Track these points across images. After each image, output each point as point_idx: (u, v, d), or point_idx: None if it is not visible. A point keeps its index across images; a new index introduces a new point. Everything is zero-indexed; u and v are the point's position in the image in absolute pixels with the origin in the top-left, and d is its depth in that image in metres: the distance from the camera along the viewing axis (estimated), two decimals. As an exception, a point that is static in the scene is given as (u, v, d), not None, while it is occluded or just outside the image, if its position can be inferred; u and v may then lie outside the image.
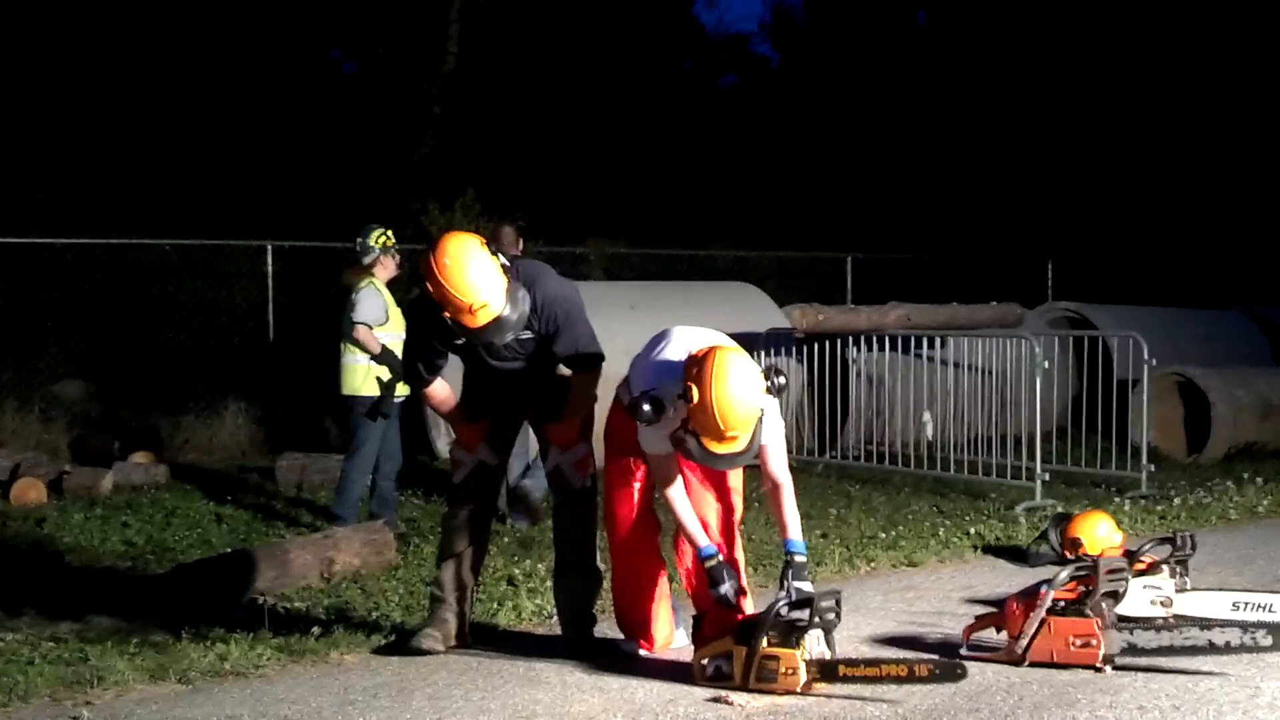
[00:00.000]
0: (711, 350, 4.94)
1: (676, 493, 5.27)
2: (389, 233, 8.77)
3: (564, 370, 5.69)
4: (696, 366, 4.89)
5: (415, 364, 5.68)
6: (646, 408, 4.95)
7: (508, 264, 5.34)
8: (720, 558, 5.25)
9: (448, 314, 5.24)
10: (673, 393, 4.94)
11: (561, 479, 5.77)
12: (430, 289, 5.24)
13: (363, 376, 8.51)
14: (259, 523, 9.14)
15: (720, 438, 4.86)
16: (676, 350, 5.23)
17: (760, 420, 4.94)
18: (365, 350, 8.42)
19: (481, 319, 5.23)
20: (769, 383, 4.96)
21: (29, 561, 7.84)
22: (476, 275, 5.16)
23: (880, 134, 25.30)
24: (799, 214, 22.73)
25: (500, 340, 5.39)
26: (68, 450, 11.49)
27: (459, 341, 5.45)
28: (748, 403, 4.85)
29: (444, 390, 5.74)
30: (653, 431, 5.11)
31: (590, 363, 5.62)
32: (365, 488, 8.71)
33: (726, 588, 5.18)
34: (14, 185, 17.12)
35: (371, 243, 8.62)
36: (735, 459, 4.96)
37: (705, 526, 5.35)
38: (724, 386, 4.80)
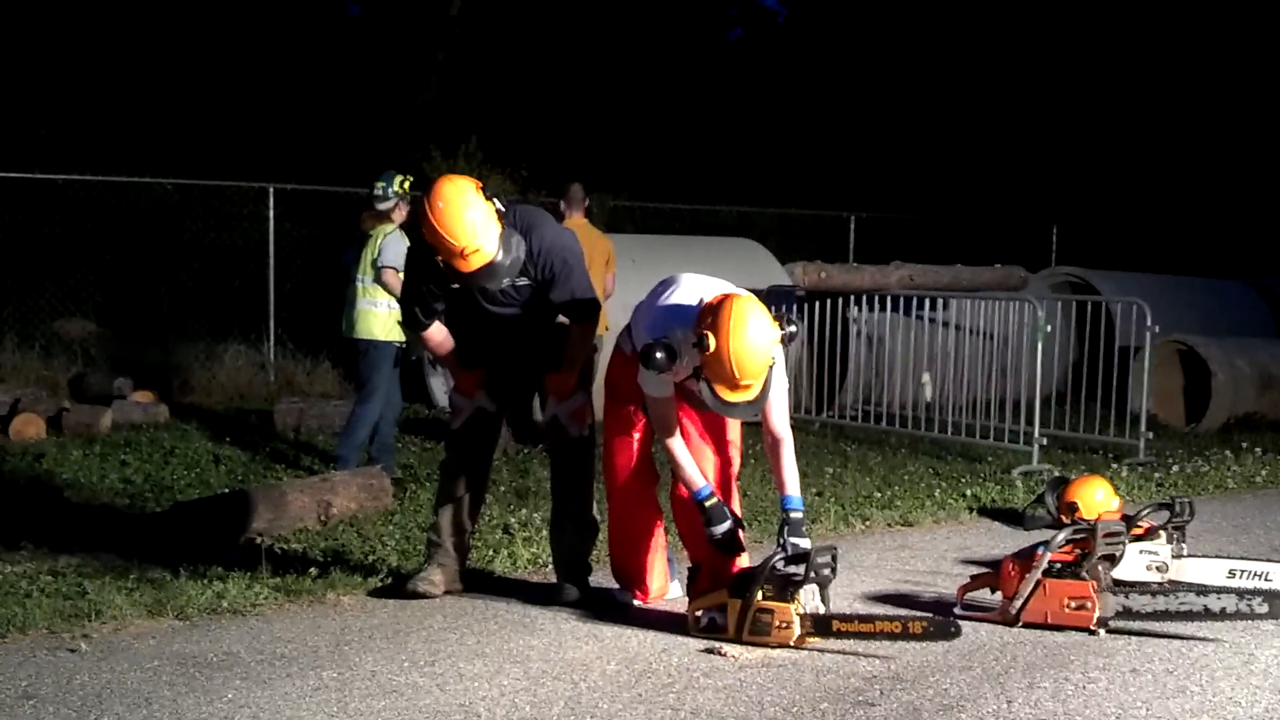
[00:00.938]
0: (727, 298, 4.91)
1: (674, 438, 5.26)
2: (410, 179, 8.77)
3: (564, 319, 5.69)
4: (712, 315, 4.85)
5: (413, 308, 5.67)
6: (660, 355, 4.92)
7: (503, 209, 5.32)
8: (718, 498, 5.25)
9: (441, 257, 5.24)
10: (686, 340, 4.92)
11: (558, 429, 5.77)
12: (424, 232, 5.25)
13: (382, 322, 8.46)
14: (257, 464, 9.16)
15: (735, 386, 4.84)
16: (687, 296, 5.18)
17: (770, 369, 4.94)
18: (391, 294, 8.37)
19: (475, 263, 5.23)
20: (782, 331, 4.94)
21: (27, 497, 7.85)
22: (470, 219, 5.16)
23: (887, 93, 25.13)
24: (803, 171, 22.62)
25: (494, 285, 5.39)
26: (67, 388, 11.48)
27: (455, 286, 5.44)
28: (763, 351, 4.84)
29: (441, 334, 5.73)
30: (656, 375, 5.10)
31: (587, 312, 5.61)
32: (369, 433, 8.72)
33: (724, 527, 5.18)
34: (17, 121, 17.03)
35: (396, 188, 8.59)
36: (748, 407, 4.95)
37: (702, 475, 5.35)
38: (741, 335, 4.78)
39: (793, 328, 5.01)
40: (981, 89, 24.53)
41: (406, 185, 8.63)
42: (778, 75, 26.15)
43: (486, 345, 5.74)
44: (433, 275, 5.41)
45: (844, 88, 25.49)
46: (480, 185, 5.29)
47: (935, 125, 24.34)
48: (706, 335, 4.80)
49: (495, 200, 5.30)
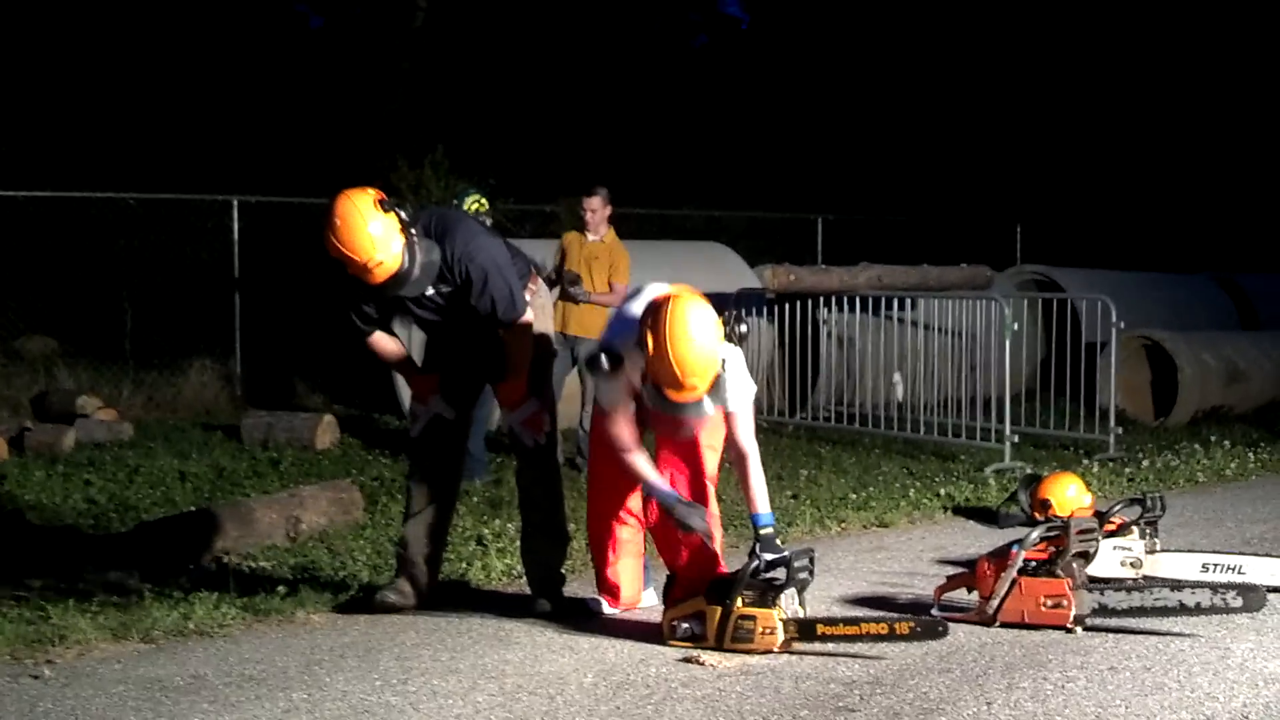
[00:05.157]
0: (667, 298, 4.90)
1: (633, 453, 5.22)
2: (482, 199, 8.80)
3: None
4: (652, 315, 4.86)
5: (350, 317, 5.59)
6: (603, 359, 4.92)
7: (406, 219, 5.25)
8: (684, 499, 5.21)
9: (351, 272, 5.20)
10: (630, 343, 4.89)
11: (515, 439, 5.73)
12: (329, 250, 5.19)
13: None
14: (224, 481, 9.03)
15: (679, 386, 4.84)
16: (640, 303, 5.16)
17: (723, 370, 4.90)
18: None
19: (380, 275, 5.20)
20: (730, 330, 4.92)
21: (-11, 519, 7.72)
22: (369, 234, 5.11)
23: (851, 96, 25.22)
24: (771, 174, 22.65)
25: (411, 293, 5.35)
26: (29, 406, 11.32)
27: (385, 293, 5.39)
28: (705, 350, 4.82)
29: (386, 341, 5.66)
30: (607, 383, 5.06)
31: (511, 318, 5.48)
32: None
33: (699, 521, 5.11)
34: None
35: (466, 207, 8.59)
36: (697, 407, 4.92)
37: (673, 483, 5.31)
38: (680, 334, 4.77)
39: (743, 327, 4.99)
40: (943, 90, 24.63)
41: (479, 205, 8.64)
42: (743, 81, 26.18)
43: (436, 351, 5.73)
44: (359, 283, 5.34)
45: (808, 92, 25.54)
46: (381, 197, 5.22)
47: (899, 127, 24.42)
48: (647, 336, 4.78)
49: (398, 210, 5.23)
